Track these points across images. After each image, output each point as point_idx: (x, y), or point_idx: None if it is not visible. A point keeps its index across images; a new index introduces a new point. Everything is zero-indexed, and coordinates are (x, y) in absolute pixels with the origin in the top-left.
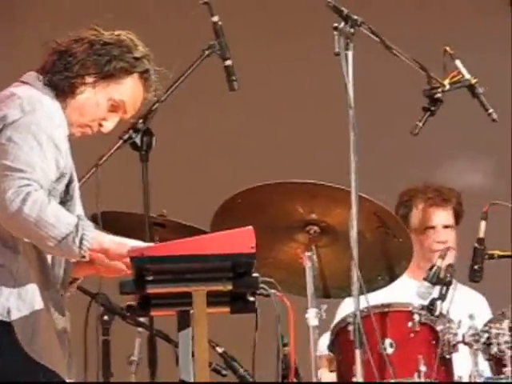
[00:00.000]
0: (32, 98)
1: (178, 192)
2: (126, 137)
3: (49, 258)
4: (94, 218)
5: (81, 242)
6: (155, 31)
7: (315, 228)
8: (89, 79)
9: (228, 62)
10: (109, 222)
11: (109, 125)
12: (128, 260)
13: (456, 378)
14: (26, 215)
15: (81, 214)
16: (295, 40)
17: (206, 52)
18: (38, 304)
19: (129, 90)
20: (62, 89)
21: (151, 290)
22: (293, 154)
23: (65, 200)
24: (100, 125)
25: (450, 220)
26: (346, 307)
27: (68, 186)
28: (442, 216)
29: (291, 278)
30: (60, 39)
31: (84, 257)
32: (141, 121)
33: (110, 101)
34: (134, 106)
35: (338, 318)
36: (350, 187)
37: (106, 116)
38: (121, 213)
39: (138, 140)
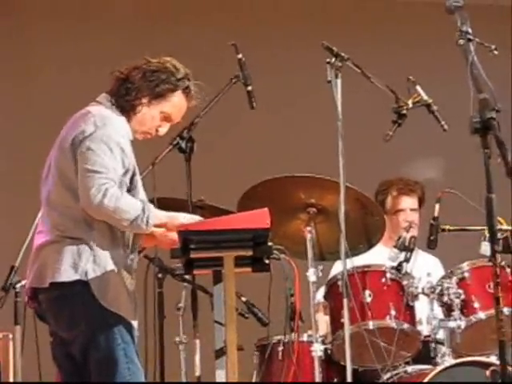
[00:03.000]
0: (103, 115)
1: (212, 183)
2: (175, 142)
3: (118, 231)
4: (152, 202)
5: (147, 221)
6: (195, 65)
7: (313, 209)
8: (144, 100)
9: (249, 88)
10: (162, 205)
11: (163, 130)
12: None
13: (417, 320)
14: (107, 206)
15: (143, 198)
16: (298, 70)
17: (233, 80)
18: (109, 266)
19: (175, 104)
20: (126, 108)
21: (193, 255)
22: (297, 155)
23: (130, 189)
24: (157, 130)
25: (415, 204)
26: (337, 267)
27: (132, 178)
28: (409, 202)
29: (296, 246)
30: (122, 68)
31: (149, 231)
32: (185, 131)
33: (162, 113)
34: (180, 115)
35: (330, 275)
36: (339, 179)
37: (161, 124)
38: (171, 198)
39: (183, 145)
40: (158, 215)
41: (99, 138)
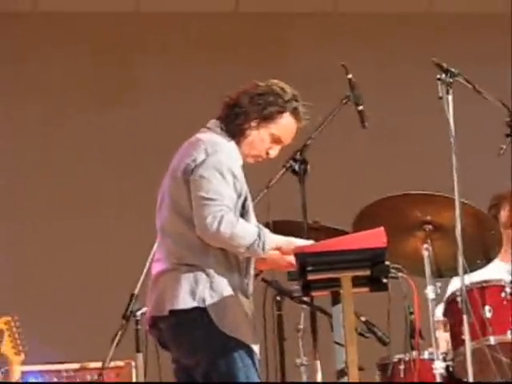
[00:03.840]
0: (213, 142)
1: (326, 204)
2: (288, 165)
3: (233, 256)
4: (267, 225)
5: (263, 246)
6: (304, 86)
7: (430, 226)
8: (253, 123)
9: (361, 108)
10: (277, 228)
11: (273, 152)
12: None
13: None
14: (223, 233)
15: (255, 222)
16: (408, 88)
17: (344, 101)
18: (226, 291)
19: (284, 126)
20: (235, 133)
21: (311, 276)
22: (410, 172)
23: (243, 213)
24: (267, 153)
25: None
26: (454, 284)
27: (244, 203)
28: None
29: (413, 264)
30: (231, 93)
31: (265, 255)
32: (298, 153)
33: (272, 136)
34: (290, 136)
35: (449, 292)
36: (454, 195)
37: (271, 146)
38: (286, 221)
39: (296, 167)
40: (274, 239)
41: (211, 165)
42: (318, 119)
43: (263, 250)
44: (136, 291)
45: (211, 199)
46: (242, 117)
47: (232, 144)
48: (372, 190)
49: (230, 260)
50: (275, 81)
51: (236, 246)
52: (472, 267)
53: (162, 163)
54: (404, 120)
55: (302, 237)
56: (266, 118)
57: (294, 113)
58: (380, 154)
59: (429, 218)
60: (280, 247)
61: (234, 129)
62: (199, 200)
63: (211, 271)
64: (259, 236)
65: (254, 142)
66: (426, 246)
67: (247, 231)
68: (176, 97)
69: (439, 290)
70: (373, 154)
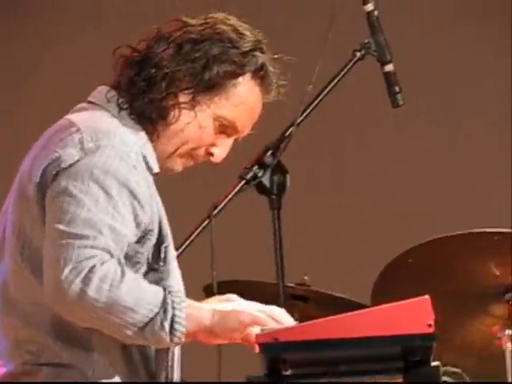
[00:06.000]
0: (97, 130)
1: (323, 252)
2: (250, 176)
3: (135, 348)
4: (207, 290)
5: (172, 327)
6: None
7: None
8: (183, 97)
9: (389, 68)
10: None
11: (220, 152)
12: (250, 334)
13: None
14: (93, 300)
15: (174, 285)
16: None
17: (358, 54)
18: None
19: (241, 100)
20: (149, 116)
21: None
22: (483, 195)
23: (156, 267)
24: (209, 153)
25: None
26: None
27: (158, 246)
28: None
29: (485, 367)
30: (134, 42)
31: (178, 343)
32: (269, 153)
33: (217, 120)
34: (251, 120)
35: None
36: None
37: (215, 140)
38: (245, 282)
39: (265, 180)
40: (198, 315)
41: (87, 173)
42: (306, 89)
43: (171, 333)
44: None
45: (76, 236)
46: (162, 84)
47: (138, 135)
48: (408, 230)
49: (131, 354)
50: (221, 15)
51: (118, 324)
52: None
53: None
54: (459, 106)
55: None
56: (208, 88)
57: (259, 75)
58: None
59: None
60: (211, 328)
61: (147, 109)
62: (54, 235)
63: (96, 376)
64: (164, 307)
65: (185, 132)
66: (510, 332)
67: (141, 298)
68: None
69: None
70: (400, 158)
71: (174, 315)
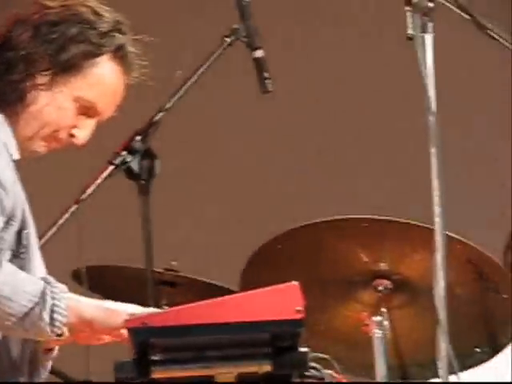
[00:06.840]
0: None
1: (192, 237)
2: (119, 161)
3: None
4: (75, 276)
5: (51, 317)
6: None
7: (386, 283)
8: (41, 78)
9: (258, 54)
10: (96, 280)
11: (82, 133)
12: (124, 332)
13: None
14: None
15: (41, 269)
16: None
17: (228, 40)
18: None
19: (100, 81)
20: (6, 99)
21: (158, 374)
22: (349, 182)
23: (17, 253)
24: (70, 135)
25: None
26: None
27: (20, 233)
28: None
29: (353, 353)
30: None
31: (60, 335)
32: (138, 138)
33: (77, 101)
34: (113, 101)
35: None
36: (433, 224)
37: (77, 122)
38: (113, 267)
39: (134, 165)
40: (78, 306)
41: None
42: (175, 74)
43: (51, 323)
44: None
45: None
46: (19, 66)
47: None
48: (278, 215)
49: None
50: None
51: None
52: (466, 360)
53: None
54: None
55: (144, 298)
56: (66, 68)
57: (119, 55)
58: (293, 143)
59: (384, 266)
60: (90, 321)
61: (3, 90)
62: None
63: None
64: (43, 296)
65: (44, 114)
66: (377, 318)
67: (19, 287)
68: None
69: None
70: (280, 142)
71: (53, 305)
